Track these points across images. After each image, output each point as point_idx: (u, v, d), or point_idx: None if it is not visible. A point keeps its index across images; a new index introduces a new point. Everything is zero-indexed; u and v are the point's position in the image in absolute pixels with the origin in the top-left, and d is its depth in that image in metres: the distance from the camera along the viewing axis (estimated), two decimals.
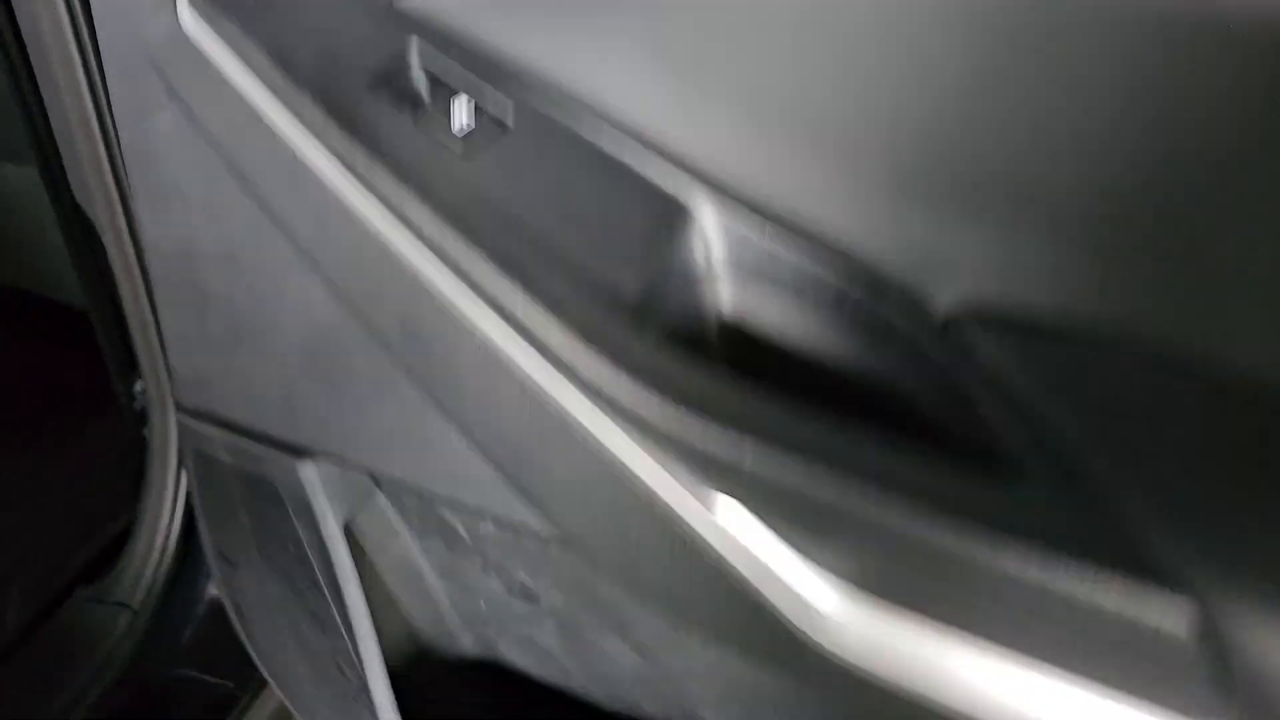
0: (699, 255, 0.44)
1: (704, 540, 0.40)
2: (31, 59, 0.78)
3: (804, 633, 0.40)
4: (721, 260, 0.44)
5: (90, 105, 0.75)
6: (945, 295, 0.38)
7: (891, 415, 0.39)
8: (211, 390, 0.69)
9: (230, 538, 0.76)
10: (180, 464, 0.98)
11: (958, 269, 0.38)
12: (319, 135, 0.44)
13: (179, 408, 0.72)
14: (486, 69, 0.44)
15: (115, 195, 0.82)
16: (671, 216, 0.44)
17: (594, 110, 0.44)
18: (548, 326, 0.41)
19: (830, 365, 0.42)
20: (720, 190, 0.43)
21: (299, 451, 0.65)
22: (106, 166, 0.81)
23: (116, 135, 0.68)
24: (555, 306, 0.41)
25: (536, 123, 0.44)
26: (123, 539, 1.05)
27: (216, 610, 1.00)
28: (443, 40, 0.45)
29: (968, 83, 0.35)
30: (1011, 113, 0.35)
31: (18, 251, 1.14)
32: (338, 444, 0.62)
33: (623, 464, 0.41)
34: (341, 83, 0.45)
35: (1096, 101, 0.34)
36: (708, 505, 0.41)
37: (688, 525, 0.41)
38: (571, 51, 0.44)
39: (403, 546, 0.68)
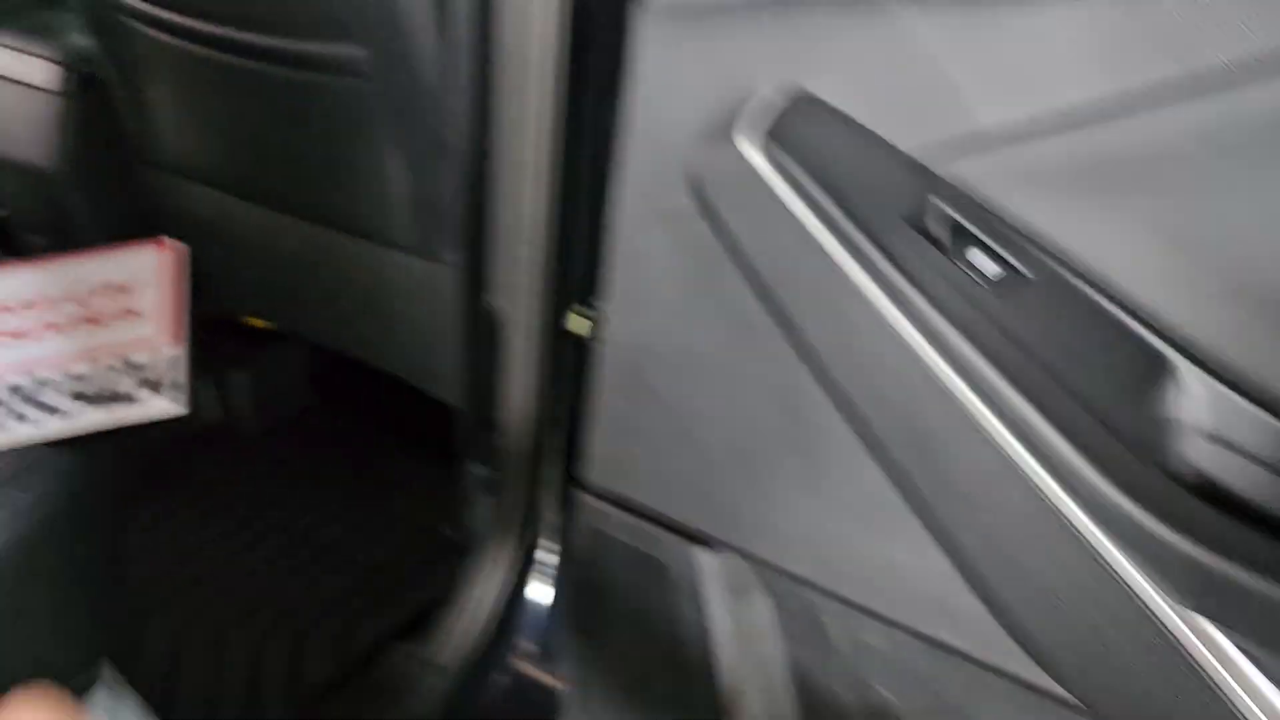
0: (1180, 408, 0.49)
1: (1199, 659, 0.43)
2: (494, 154, 0.92)
3: None
4: (1196, 414, 0.48)
5: (552, 206, 0.87)
6: None
7: None
8: (623, 474, 0.77)
9: (598, 613, 0.82)
10: (520, 535, 1.07)
11: None
12: (861, 258, 0.51)
13: (583, 487, 0.81)
14: (1004, 226, 0.51)
15: (538, 291, 0.93)
16: (1158, 370, 0.48)
17: (1093, 273, 0.50)
18: (1060, 448, 0.46)
19: None
20: (1197, 355, 0.47)
21: (701, 540, 0.71)
22: (536, 268, 0.93)
23: (590, 243, 0.79)
24: (1068, 432, 0.46)
25: (1051, 277, 0.50)
26: (438, 601, 1.14)
27: (519, 678, 1.06)
28: (962, 196, 0.53)
29: None
30: None
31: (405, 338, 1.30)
32: (743, 538, 0.68)
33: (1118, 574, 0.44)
34: (880, 217, 0.53)
35: None
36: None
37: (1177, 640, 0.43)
38: (1082, 231, 0.51)
39: (768, 641, 0.72)
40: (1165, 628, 0.44)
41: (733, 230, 0.60)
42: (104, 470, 0.79)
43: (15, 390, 0.80)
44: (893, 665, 0.65)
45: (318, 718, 1.10)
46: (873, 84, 0.56)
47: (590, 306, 0.90)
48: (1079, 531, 0.45)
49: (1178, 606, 0.44)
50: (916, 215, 0.53)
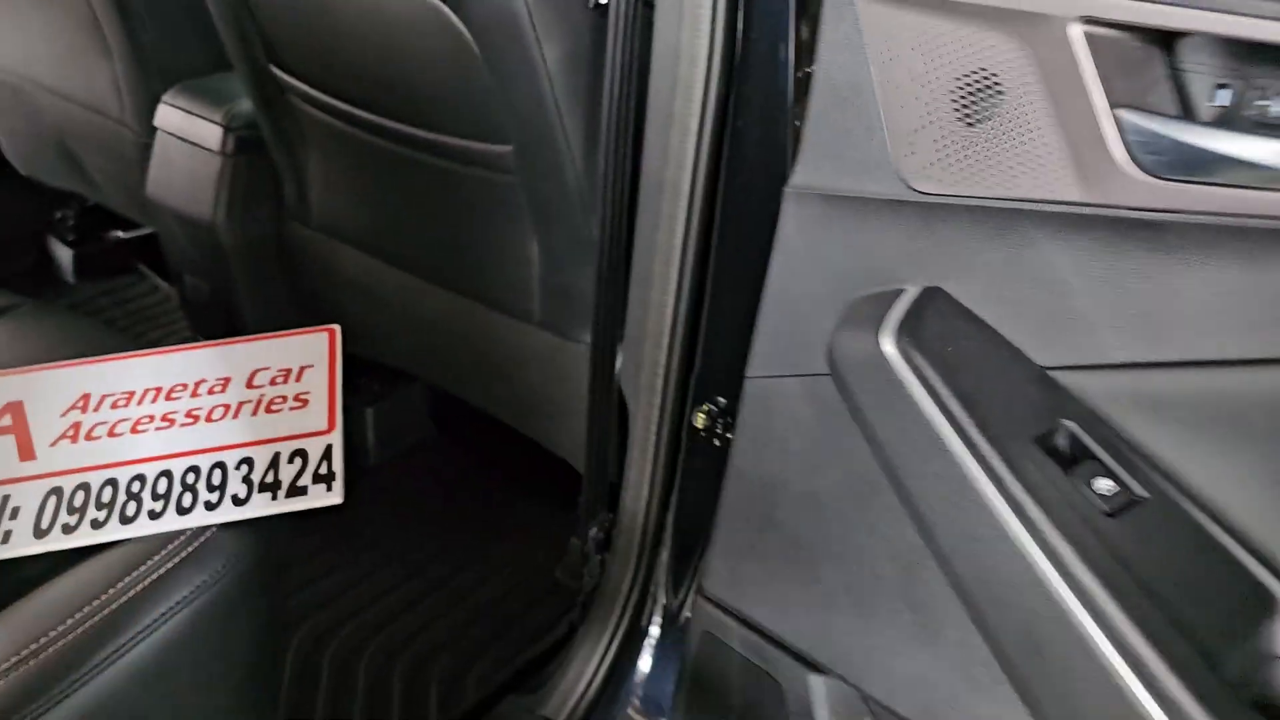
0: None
1: None
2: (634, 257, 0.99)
3: None
4: None
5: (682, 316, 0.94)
6: None
7: None
8: (741, 590, 0.84)
9: (706, 707, 0.89)
10: (623, 613, 1.14)
11: None
12: (989, 468, 0.57)
13: (701, 593, 0.88)
14: (1129, 451, 0.56)
15: (659, 389, 1.00)
16: (1264, 602, 0.53)
17: (1203, 502, 0.55)
18: (1161, 671, 0.51)
19: None
20: None
21: (815, 666, 0.77)
22: (660, 368, 1.00)
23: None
24: (1170, 657, 0.51)
25: (1164, 500, 0.55)
26: (549, 657, 1.23)
27: None
28: (1090, 415, 0.58)
29: None
30: None
31: (533, 402, 1.40)
32: (855, 672, 0.75)
33: None
34: (1006, 426, 0.59)
35: None
36: None
37: None
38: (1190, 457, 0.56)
39: None
40: None
41: (862, 407, 0.66)
42: (269, 547, 0.89)
43: (191, 472, 0.89)
44: None
45: None
46: (1004, 296, 0.62)
47: (716, 406, 0.96)
48: None
49: None
50: (1046, 433, 0.59)
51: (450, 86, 1.11)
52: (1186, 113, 0.54)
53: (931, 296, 0.64)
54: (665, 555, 1.08)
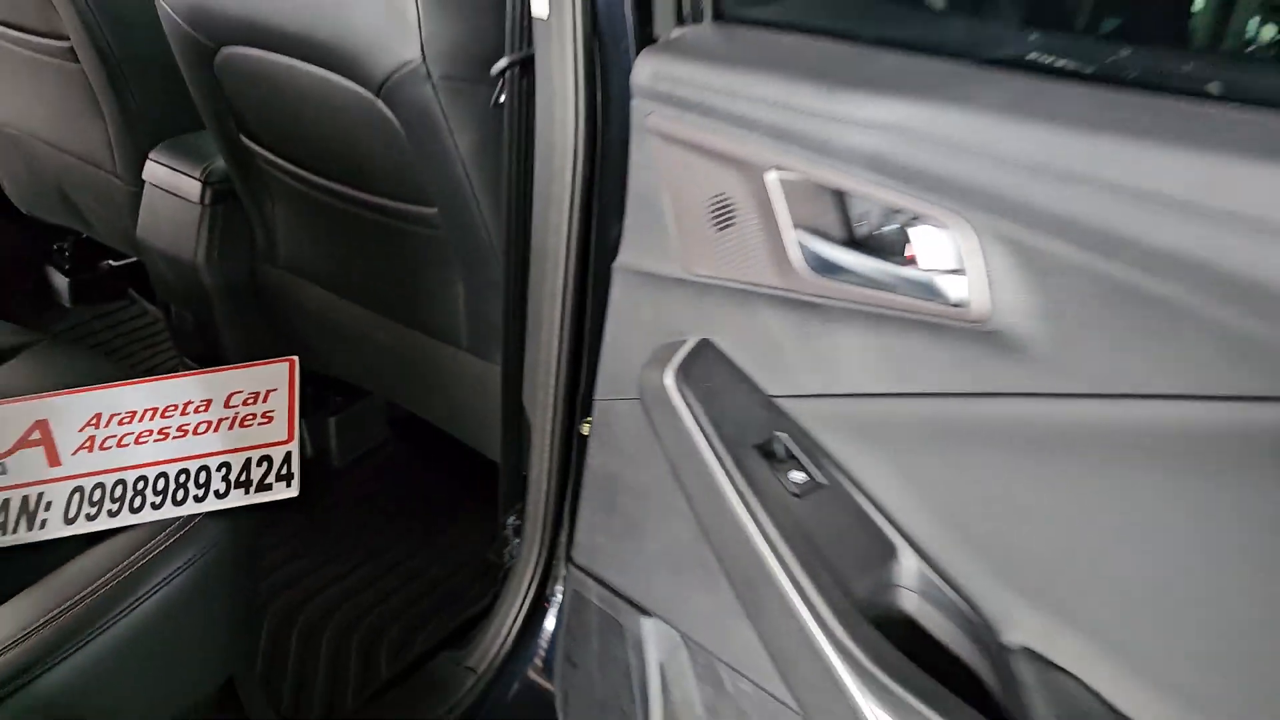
0: (899, 577, 0.82)
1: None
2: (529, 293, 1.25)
3: None
4: (906, 589, 0.81)
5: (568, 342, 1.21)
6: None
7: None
8: (597, 555, 1.12)
9: (579, 650, 1.17)
10: (530, 585, 1.42)
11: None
12: (726, 456, 0.85)
13: (571, 561, 1.16)
14: (816, 452, 0.85)
15: (559, 413, 1.27)
16: (887, 548, 0.81)
17: (858, 483, 0.83)
18: (815, 597, 0.79)
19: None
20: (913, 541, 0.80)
21: (645, 611, 1.05)
22: (551, 385, 1.26)
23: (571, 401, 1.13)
24: (821, 587, 0.79)
25: (836, 488, 0.84)
26: (477, 620, 1.50)
27: (533, 694, 1.41)
28: (796, 429, 0.86)
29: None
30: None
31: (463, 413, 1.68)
32: (678, 617, 1.02)
33: (850, 697, 0.77)
34: (741, 438, 0.87)
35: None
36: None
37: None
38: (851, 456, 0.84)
39: (688, 687, 1.06)
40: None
41: (655, 423, 0.94)
42: (245, 534, 1.16)
43: (182, 475, 1.17)
44: (752, 699, 0.98)
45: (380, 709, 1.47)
46: (745, 346, 0.90)
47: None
48: (825, 656, 0.78)
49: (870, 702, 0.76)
50: (764, 441, 0.87)
51: (384, 160, 1.38)
52: (849, 232, 0.82)
53: (702, 346, 0.92)
54: (563, 536, 1.36)
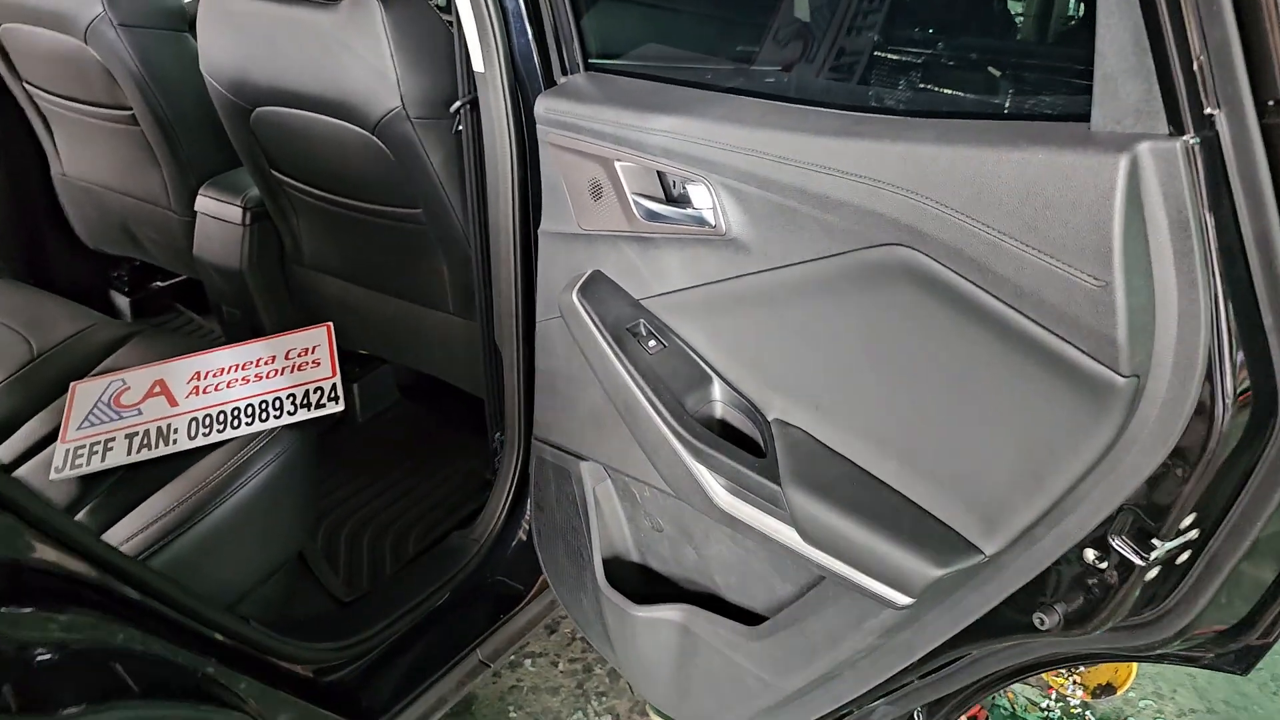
0: (713, 394, 1.38)
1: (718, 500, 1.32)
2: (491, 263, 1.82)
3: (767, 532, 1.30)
4: (716, 400, 1.37)
5: (522, 297, 1.77)
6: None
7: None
8: (549, 428, 1.68)
9: (543, 496, 1.73)
10: (514, 472, 1.97)
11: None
12: (611, 340, 1.41)
13: (535, 435, 1.72)
14: (663, 334, 1.41)
15: (520, 340, 1.82)
16: (706, 379, 1.37)
17: (684, 342, 1.39)
18: (664, 414, 1.35)
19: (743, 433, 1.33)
20: (716, 371, 1.37)
21: (582, 458, 1.61)
22: (513, 327, 1.82)
23: (527, 329, 1.69)
24: (670, 407, 1.35)
25: (674, 347, 1.40)
26: (478, 510, 2.06)
27: (522, 547, 1.96)
28: (650, 316, 1.42)
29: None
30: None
31: (456, 363, 2.24)
32: (603, 456, 1.58)
33: (689, 466, 1.33)
34: (619, 327, 1.42)
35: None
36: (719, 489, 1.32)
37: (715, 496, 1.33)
38: (682, 328, 1.40)
39: (613, 502, 1.62)
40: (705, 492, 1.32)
41: (571, 328, 1.50)
42: (309, 441, 1.72)
43: (262, 404, 1.72)
44: (662, 507, 1.54)
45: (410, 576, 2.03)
46: (619, 271, 1.45)
47: None
48: (673, 446, 1.34)
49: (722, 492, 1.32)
50: (632, 326, 1.43)
51: (379, 178, 1.94)
52: (666, 193, 1.37)
53: (594, 274, 1.48)
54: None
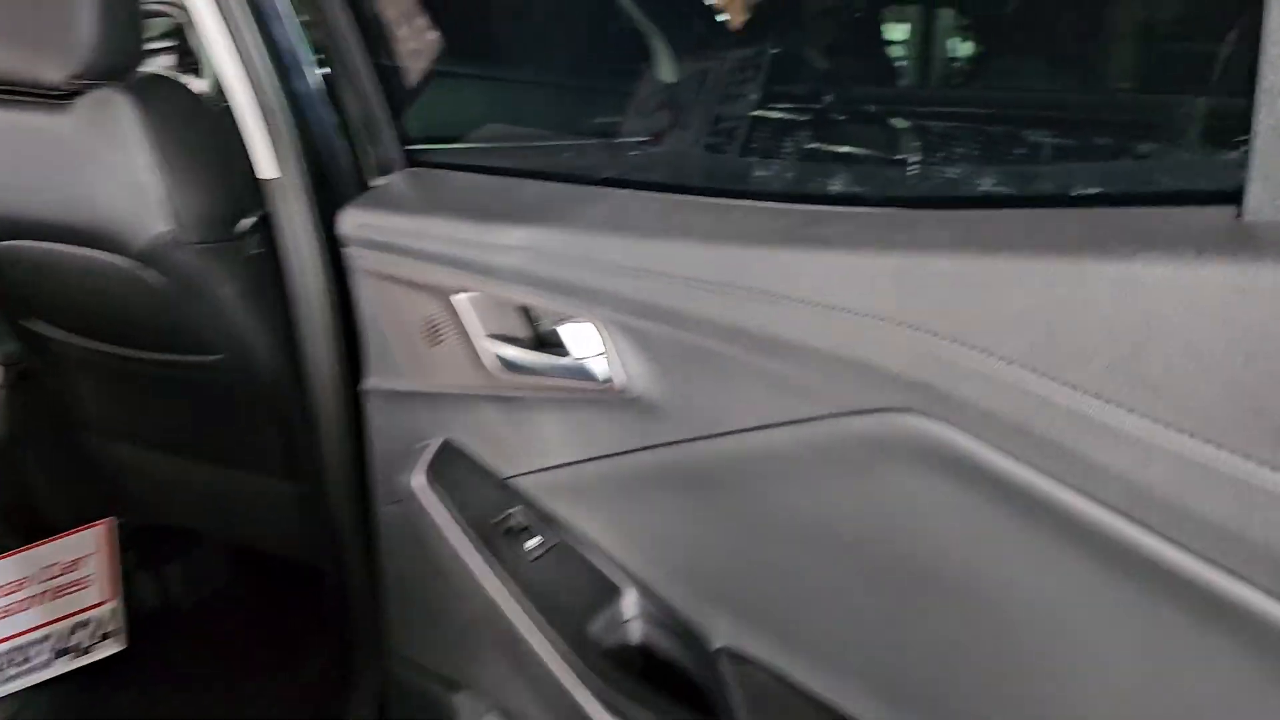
0: (626, 611, 0.96)
1: None
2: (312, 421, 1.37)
3: None
4: (632, 618, 0.96)
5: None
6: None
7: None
8: (410, 642, 1.23)
9: None
10: (370, 698, 1.51)
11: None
12: (475, 538, 0.99)
13: (393, 650, 1.26)
14: (548, 526, 0.99)
15: (357, 525, 1.38)
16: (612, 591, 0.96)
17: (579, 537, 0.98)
18: (553, 638, 0.93)
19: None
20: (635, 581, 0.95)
21: (457, 685, 1.17)
22: (357, 509, 1.38)
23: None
24: (560, 629, 0.93)
25: (564, 545, 0.98)
26: None
27: None
28: (527, 502, 1.00)
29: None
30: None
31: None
32: (486, 686, 1.14)
33: (580, 706, 0.91)
34: (484, 520, 1.00)
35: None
36: None
37: None
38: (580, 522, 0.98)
39: None
40: None
41: (417, 525, 1.07)
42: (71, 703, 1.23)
43: (2, 656, 1.23)
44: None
45: None
46: (476, 438, 1.04)
47: None
48: (571, 694, 0.92)
49: None
50: (503, 518, 1.01)
51: (155, 320, 1.48)
52: (532, 332, 0.97)
53: (444, 446, 1.06)
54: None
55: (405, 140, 1.13)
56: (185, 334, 1.50)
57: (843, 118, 0.88)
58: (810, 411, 0.72)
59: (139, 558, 1.97)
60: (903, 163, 0.79)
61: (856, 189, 0.78)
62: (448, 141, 1.17)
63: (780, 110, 0.90)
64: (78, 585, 1.32)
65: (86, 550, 1.37)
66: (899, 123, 0.84)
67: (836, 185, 0.78)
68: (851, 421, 0.69)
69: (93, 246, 1.43)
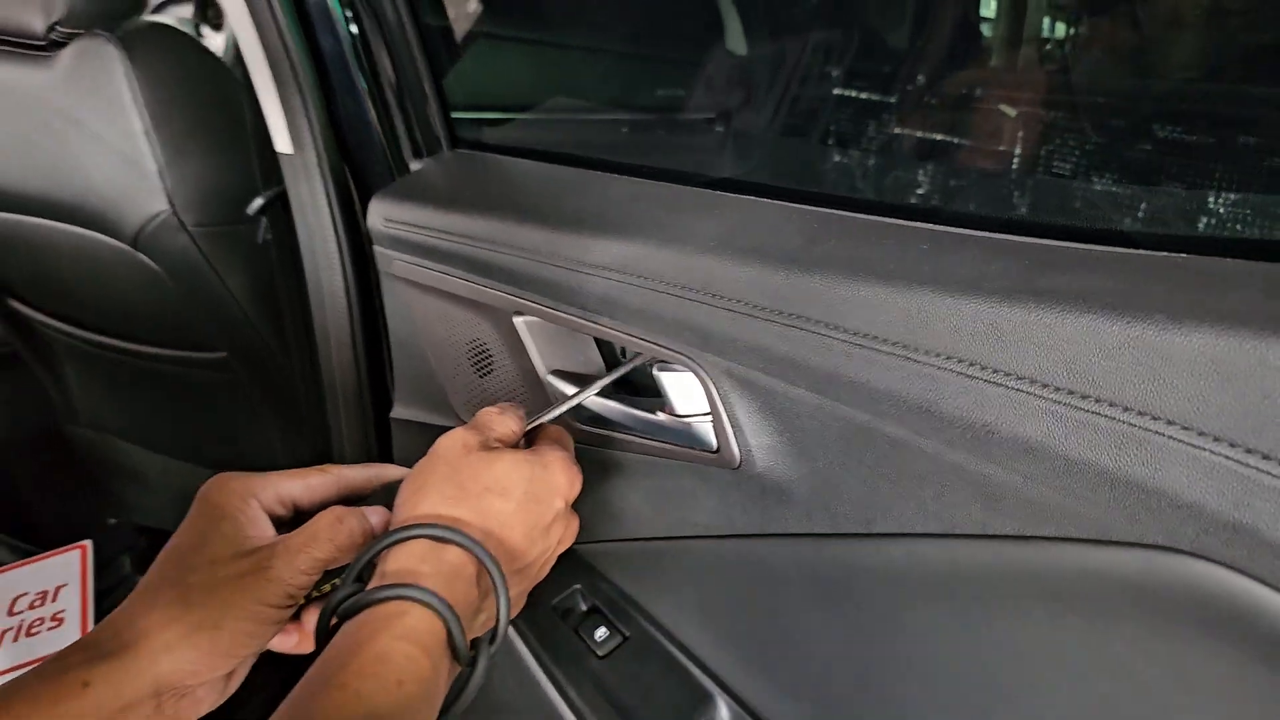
0: None
1: None
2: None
3: None
4: None
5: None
6: None
7: None
8: None
9: None
10: None
11: None
12: (528, 633, 0.78)
13: None
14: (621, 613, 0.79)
15: None
16: (702, 700, 0.76)
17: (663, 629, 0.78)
18: None
19: None
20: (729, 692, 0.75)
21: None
22: None
23: None
24: None
25: (642, 638, 0.78)
26: None
27: None
28: (594, 578, 0.80)
29: None
30: None
31: None
32: None
33: None
34: (535, 601, 0.80)
35: None
36: None
37: None
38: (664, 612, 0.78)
39: None
40: None
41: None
42: None
43: None
44: None
45: None
46: None
47: None
48: None
49: None
50: (560, 599, 0.81)
51: (150, 309, 1.28)
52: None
53: None
54: None
55: (450, 114, 0.92)
56: (185, 327, 1.30)
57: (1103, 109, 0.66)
58: (1027, 530, 0.51)
59: (135, 563, 1.79)
60: (1206, 180, 0.57)
61: (1128, 222, 0.56)
62: (502, 116, 0.96)
63: (1002, 96, 0.68)
64: (51, 621, 1.13)
65: (60, 581, 1.18)
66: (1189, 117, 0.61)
67: (1093, 213, 0.56)
68: (1093, 553, 0.48)
69: (79, 225, 1.23)
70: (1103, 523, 0.46)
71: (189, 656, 0.51)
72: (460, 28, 1.01)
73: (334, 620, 0.50)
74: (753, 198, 0.67)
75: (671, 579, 0.77)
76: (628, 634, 0.79)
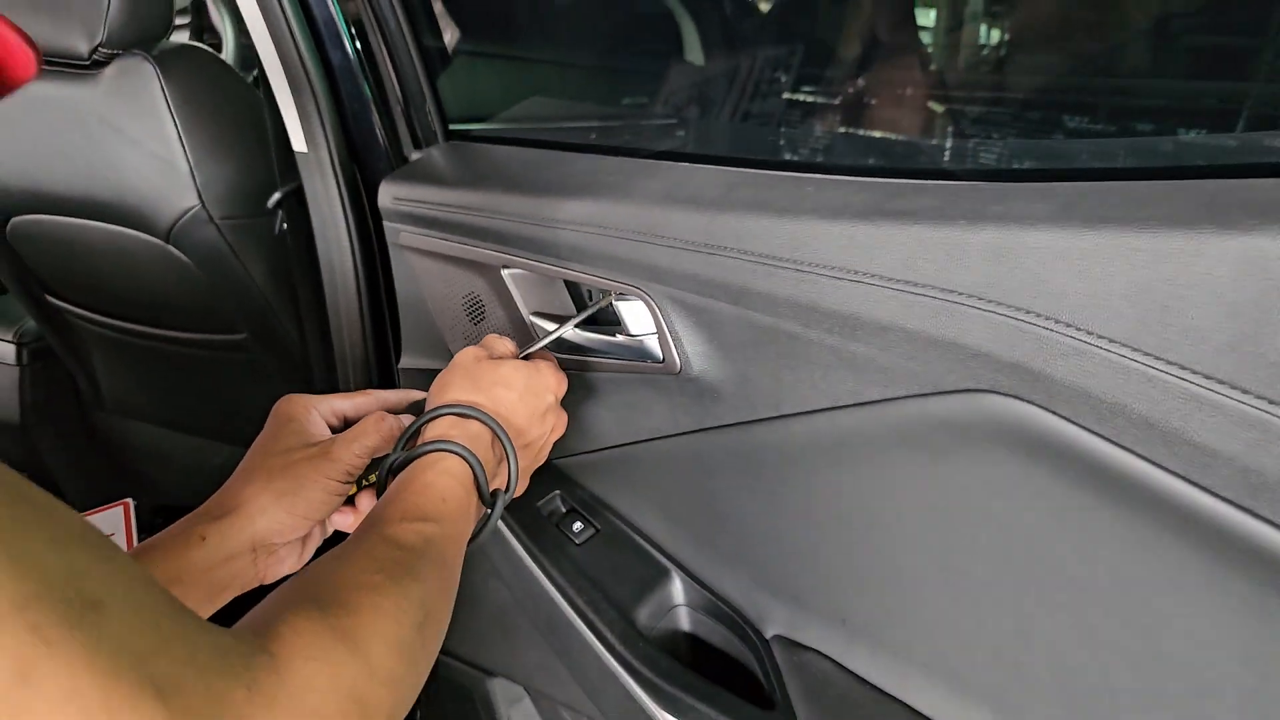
0: (675, 598, 0.94)
1: None
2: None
3: None
4: (680, 605, 0.93)
5: None
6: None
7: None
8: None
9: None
10: None
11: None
12: (515, 525, 0.96)
13: None
14: (594, 511, 0.96)
15: None
16: (663, 574, 0.93)
17: (627, 522, 0.95)
18: (601, 626, 0.90)
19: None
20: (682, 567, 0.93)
21: (490, 673, 1.14)
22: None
23: None
24: (607, 621, 0.90)
25: (611, 530, 0.95)
26: None
27: None
28: (571, 484, 0.98)
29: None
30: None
31: None
32: (520, 673, 1.12)
33: (651, 714, 0.88)
34: (527, 504, 0.97)
35: None
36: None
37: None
38: (629, 507, 0.95)
39: None
40: None
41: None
42: None
43: None
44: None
45: None
46: None
47: None
48: (621, 679, 0.89)
49: None
50: (546, 500, 0.98)
51: (182, 299, 1.45)
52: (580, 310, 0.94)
53: None
54: None
55: (442, 111, 1.10)
56: (210, 312, 1.47)
57: (928, 86, 0.85)
58: (886, 393, 0.69)
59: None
60: (994, 133, 0.76)
61: (944, 162, 0.75)
62: (488, 117, 1.14)
63: (859, 80, 0.87)
64: None
65: (109, 530, 1.34)
66: (984, 91, 0.81)
67: (921, 158, 0.74)
68: (931, 403, 0.66)
69: (116, 223, 1.40)
70: (934, 377, 0.65)
71: (278, 517, 0.68)
72: (452, 41, 1.19)
73: (390, 478, 0.68)
74: (686, 164, 0.85)
75: (633, 480, 0.95)
76: (599, 527, 0.96)
